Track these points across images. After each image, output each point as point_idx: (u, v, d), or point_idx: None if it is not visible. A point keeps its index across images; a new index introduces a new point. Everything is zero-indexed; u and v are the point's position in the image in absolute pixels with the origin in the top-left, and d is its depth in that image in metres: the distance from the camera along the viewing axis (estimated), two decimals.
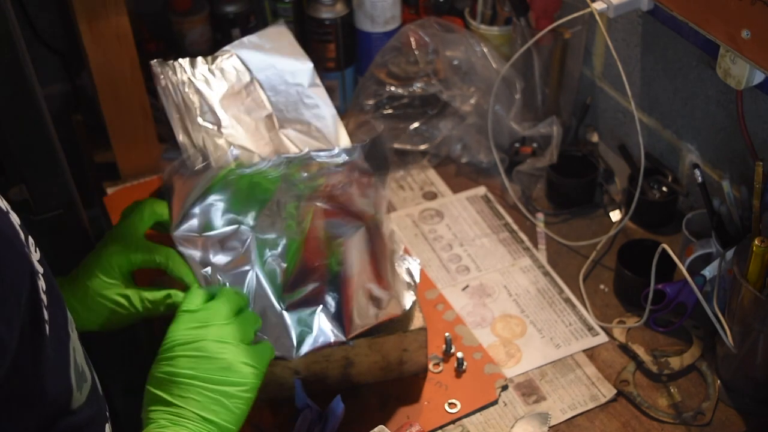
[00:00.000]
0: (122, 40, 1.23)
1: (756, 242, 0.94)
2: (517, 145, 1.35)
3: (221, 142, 1.03)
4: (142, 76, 1.28)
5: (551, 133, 1.30)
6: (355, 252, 0.97)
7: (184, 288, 0.96)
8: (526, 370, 1.08)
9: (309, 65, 1.13)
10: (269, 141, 1.07)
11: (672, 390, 1.06)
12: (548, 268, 1.22)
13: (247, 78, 1.12)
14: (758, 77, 1.00)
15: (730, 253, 1.02)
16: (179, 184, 0.99)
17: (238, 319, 0.91)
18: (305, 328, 0.97)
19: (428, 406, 1.04)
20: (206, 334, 0.87)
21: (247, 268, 0.95)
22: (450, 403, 1.04)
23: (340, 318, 0.98)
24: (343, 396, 1.00)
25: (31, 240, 0.69)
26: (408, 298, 1.03)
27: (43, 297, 0.66)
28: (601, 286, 1.19)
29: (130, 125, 1.31)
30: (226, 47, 1.15)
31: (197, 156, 0.96)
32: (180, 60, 1.09)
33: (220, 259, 0.95)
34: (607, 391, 1.05)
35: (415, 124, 1.38)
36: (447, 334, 1.09)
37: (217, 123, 1.04)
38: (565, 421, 1.02)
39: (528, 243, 1.26)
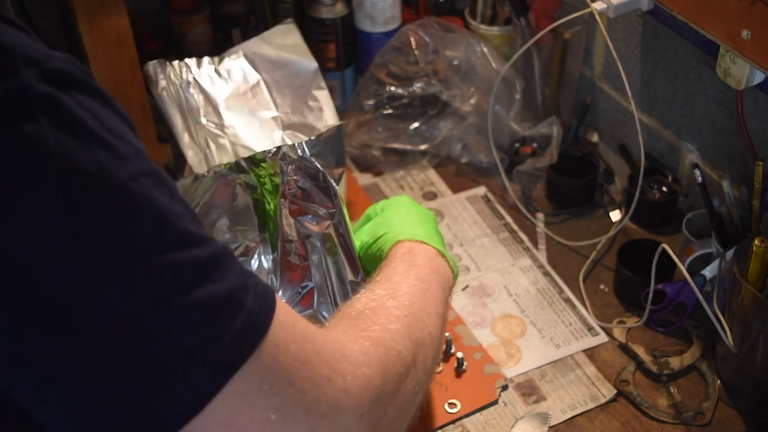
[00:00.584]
0: (122, 40, 1.23)
1: (756, 242, 0.94)
2: (517, 145, 1.35)
3: (224, 142, 1.04)
4: (142, 76, 1.28)
5: (551, 133, 1.30)
6: (327, 249, 0.97)
7: None
8: (526, 370, 1.08)
9: (314, 65, 1.13)
10: (273, 142, 1.07)
11: (672, 390, 1.06)
12: (548, 268, 1.22)
13: (253, 79, 1.12)
14: (758, 77, 1.00)
15: (730, 253, 1.02)
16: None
17: None
18: None
19: (428, 406, 1.04)
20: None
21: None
22: (450, 403, 1.04)
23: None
24: None
25: None
26: None
27: None
28: (601, 286, 1.19)
29: None
30: (235, 47, 1.15)
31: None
32: (186, 60, 1.09)
33: None
34: (607, 391, 1.05)
35: (415, 124, 1.38)
36: (447, 334, 1.09)
37: (221, 124, 1.04)
38: (565, 421, 1.02)
39: (528, 243, 1.26)
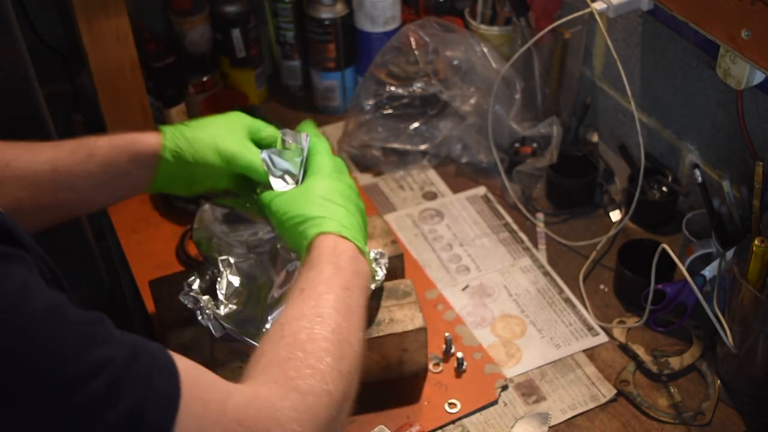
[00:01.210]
0: (122, 40, 1.23)
1: (756, 242, 0.94)
2: (517, 145, 1.35)
3: None
4: (142, 76, 1.28)
5: (551, 133, 1.30)
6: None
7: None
8: (526, 370, 1.08)
9: None
10: None
11: (672, 390, 1.06)
12: (548, 268, 1.22)
13: None
14: (758, 77, 1.00)
15: (730, 253, 1.02)
16: None
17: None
18: None
19: (428, 406, 1.04)
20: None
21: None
22: (450, 403, 1.04)
23: None
24: None
25: None
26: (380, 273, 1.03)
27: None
28: (601, 286, 1.19)
29: (130, 125, 1.31)
30: None
31: None
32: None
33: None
34: (607, 391, 1.05)
35: (415, 124, 1.38)
36: (447, 334, 1.09)
37: None
38: (565, 421, 1.02)
39: (528, 243, 1.26)
